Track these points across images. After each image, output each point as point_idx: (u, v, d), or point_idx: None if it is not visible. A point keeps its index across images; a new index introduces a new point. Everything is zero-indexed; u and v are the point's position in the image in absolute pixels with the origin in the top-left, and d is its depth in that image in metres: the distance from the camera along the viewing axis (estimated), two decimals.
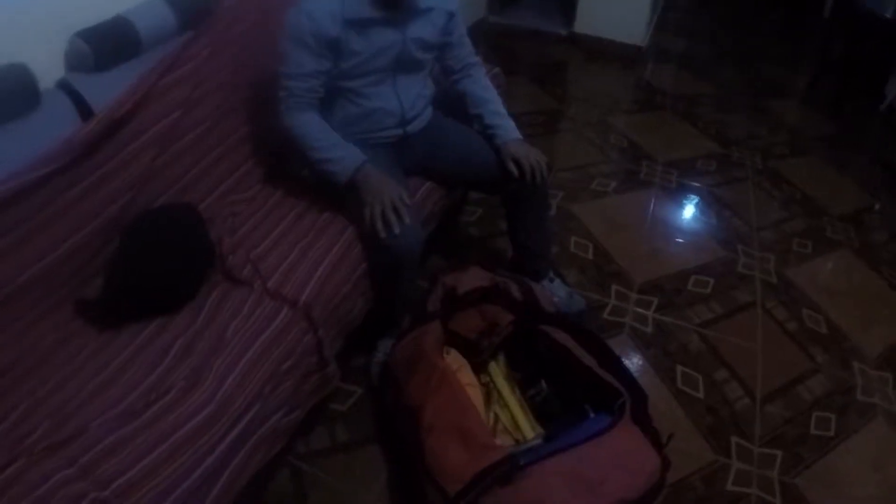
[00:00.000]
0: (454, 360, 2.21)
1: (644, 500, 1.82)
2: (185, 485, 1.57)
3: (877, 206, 3.96)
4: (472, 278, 2.39)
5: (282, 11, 2.33)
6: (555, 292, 2.67)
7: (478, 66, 2.58)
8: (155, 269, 2.00)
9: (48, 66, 2.13)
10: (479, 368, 2.28)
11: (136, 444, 1.60)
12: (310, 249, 2.18)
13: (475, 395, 2.12)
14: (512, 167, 2.39)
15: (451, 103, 2.61)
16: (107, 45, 2.21)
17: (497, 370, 2.30)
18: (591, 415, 2.06)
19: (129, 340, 1.93)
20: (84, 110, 2.10)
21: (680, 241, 3.43)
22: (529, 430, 2.10)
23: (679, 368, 2.67)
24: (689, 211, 3.70)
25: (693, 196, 3.80)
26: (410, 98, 2.41)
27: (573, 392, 2.15)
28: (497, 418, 2.16)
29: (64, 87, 2.14)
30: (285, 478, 2.22)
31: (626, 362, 2.37)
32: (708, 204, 3.74)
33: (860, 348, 2.87)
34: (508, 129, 2.47)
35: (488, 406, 2.19)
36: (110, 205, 2.06)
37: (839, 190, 4.02)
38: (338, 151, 2.24)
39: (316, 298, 2.03)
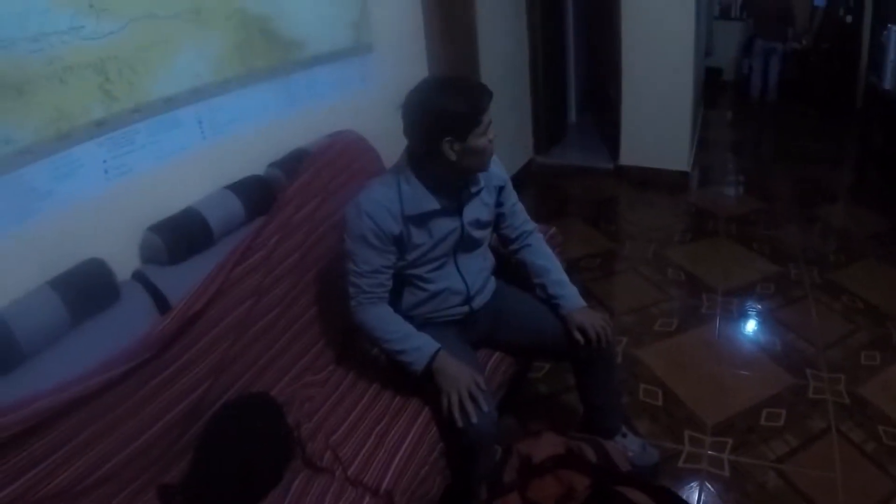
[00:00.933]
0: None
1: None
2: None
3: None
4: (547, 445, 2.39)
5: (341, 193, 2.55)
6: (628, 447, 2.67)
7: (534, 233, 2.63)
8: (238, 457, 2.08)
9: (123, 259, 2.28)
10: None
11: None
12: (387, 435, 2.22)
13: None
14: (578, 336, 2.43)
15: (512, 270, 2.69)
16: (179, 238, 2.35)
17: None
18: None
19: None
20: (161, 302, 2.22)
21: (748, 373, 3.40)
22: None
23: None
24: (754, 340, 3.69)
25: (756, 324, 3.81)
26: (473, 274, 2.48)
27: None
28: None
29: (140, 279, 2.27)
30: None
31: None
32: (772, 330, 3.73)
33: None
34: (571, 298, 2.52)
35: None
36: (189, 394, 2.14)
37: None
38: (412, 342, 2.28)
39: (396, 484, 2.05)
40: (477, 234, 2.44)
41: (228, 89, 2.71)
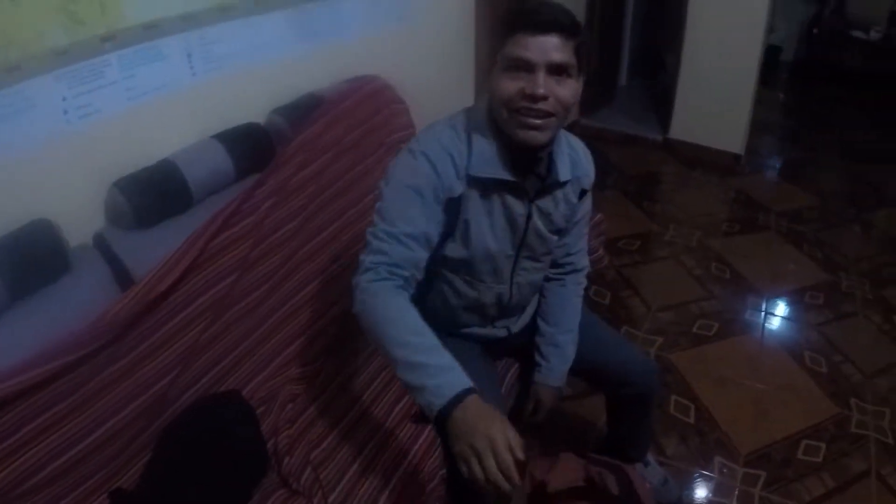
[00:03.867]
0: None
1: None
2: None
3: None
4: (565, 473, 2.19)
5: (357, 150, 2.26)
6: (648, 478, 2.46)
7: (578, 274, 2.15)
8: (200, 469, 1.82)
9: (81, 221, 1.98)
10: None
11: None
12: (380, 455, 1.89)
13: None
14: (529, 406, 2.13)
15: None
16: (149, 198, 2.03)
17: None
18: None
19: None
20: (121, 275, 1.92)
21: (789, 395, 3.15)
22: None
23: None
24: (798, 357, 3.40)
25: (802, 339, 3.54)
26: (525, 291, 2.04)
27: None
28: None
29: (99, 245, 1.98)
30: None
31: None
32: (818, 348, 3.47)
33: None
34: (553, 372, 2.09)
35: None
36: (152, 385, 1.85)
37: None
38: (437, 360, 1.47)
39: None
40: (547, 235, 1.91)
41: (230, 16, 2.34)
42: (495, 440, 1.34)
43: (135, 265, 1.93)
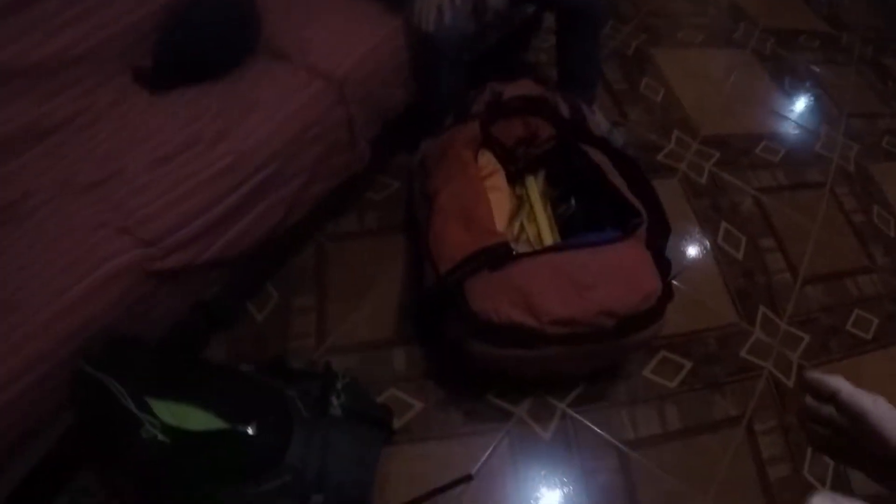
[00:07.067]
0: (488, 163, 2.21)
1: (635, 320, 1.80)
2: (198, 221, 1.78)
3: None
4: (522, 87, 2.32)
5: None
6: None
7: None
8: (204, 33, 2.11)
9: None
10: (515, 179, 2.29)
11: (161, 183, 1.81)
12: (355, 32, 2.22)
13: (500, 199, 2.13)
14: None
15: None
16: None
17: (534, 185, 2.29)
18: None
19: (175, 100, 2.08)
20: None
21: (761, 105, 3.25)
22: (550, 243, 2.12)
23: (724, 225, 2.60)
24: (779, 79, 3.47)
25: (787, 67, 3.57)
26: None
27: (600, 211, 2.11)
28: (522, 229, 2.18)
29: None
30: (310, 253, 2.38)
31: (670, 206, 2.23)
32: (802, 79, 3.51)
33: None
34: None
35: (516, 216, 2.20)
36: None
37: None
38: None
39: (350, 75, 2.11)
40: None
41: None
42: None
43: None
